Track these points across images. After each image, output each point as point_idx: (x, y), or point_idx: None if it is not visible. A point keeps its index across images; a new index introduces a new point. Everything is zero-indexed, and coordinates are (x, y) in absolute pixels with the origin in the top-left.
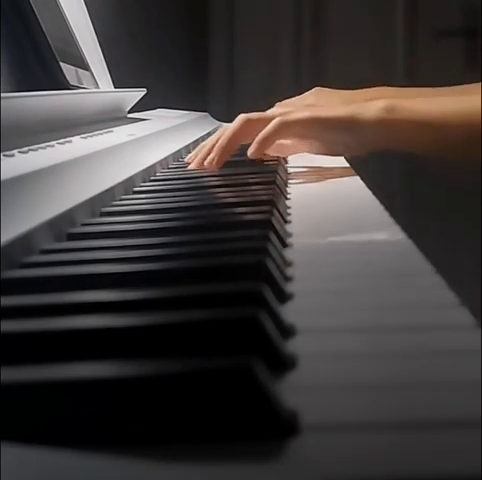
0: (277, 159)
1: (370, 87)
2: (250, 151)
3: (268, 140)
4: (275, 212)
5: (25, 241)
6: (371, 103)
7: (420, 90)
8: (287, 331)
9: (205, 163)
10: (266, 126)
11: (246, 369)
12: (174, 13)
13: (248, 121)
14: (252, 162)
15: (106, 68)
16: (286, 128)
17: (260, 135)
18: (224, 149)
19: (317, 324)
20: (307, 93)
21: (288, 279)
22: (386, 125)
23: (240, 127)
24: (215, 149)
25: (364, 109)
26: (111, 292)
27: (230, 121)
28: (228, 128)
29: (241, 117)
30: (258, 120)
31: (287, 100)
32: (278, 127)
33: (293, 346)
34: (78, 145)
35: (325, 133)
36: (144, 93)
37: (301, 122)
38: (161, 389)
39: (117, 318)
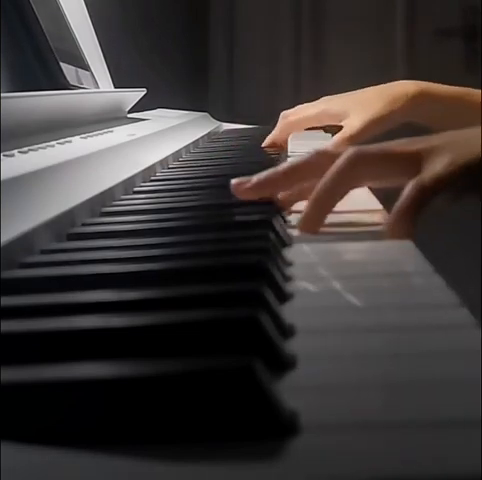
0: (277, 158)
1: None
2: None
3: None
4: (275, 212)
5: (25, 241)
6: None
7: None
8: (287, 331)
9: (300, 224)
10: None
11: (246, 369)
12: (174, 13)
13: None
14: (252, 162)
15: (106, 68)
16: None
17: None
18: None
19: (317, 324)
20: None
21: (288, 279)
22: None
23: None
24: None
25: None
26: (111, 292)
27: (230, 121)
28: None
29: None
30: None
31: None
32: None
33: (293, 346)
34: (78, 145)
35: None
36: (144, 93)
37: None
38: (161, 389)
39: (117, 318)
